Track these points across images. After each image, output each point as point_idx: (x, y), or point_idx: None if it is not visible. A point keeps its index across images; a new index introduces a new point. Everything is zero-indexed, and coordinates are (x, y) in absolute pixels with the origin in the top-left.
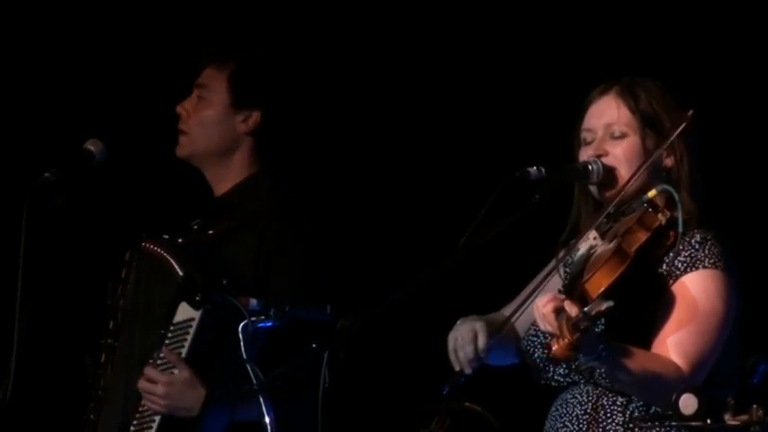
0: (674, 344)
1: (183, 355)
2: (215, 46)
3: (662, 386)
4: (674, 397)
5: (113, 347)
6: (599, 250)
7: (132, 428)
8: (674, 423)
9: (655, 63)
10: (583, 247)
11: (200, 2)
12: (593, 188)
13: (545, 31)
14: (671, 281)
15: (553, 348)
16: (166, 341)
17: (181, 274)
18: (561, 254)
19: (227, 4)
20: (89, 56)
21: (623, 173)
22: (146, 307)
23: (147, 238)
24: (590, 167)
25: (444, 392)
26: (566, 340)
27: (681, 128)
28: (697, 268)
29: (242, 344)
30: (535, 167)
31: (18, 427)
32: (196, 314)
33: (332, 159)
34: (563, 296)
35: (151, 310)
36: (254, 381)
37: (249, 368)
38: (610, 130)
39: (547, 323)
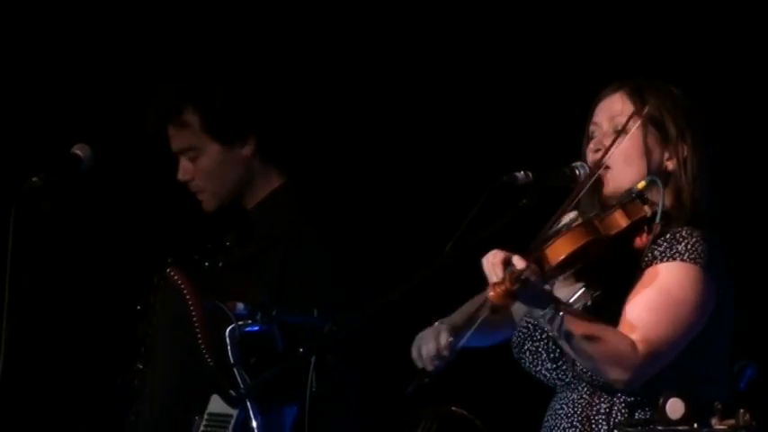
0: (636, 325)
1: None
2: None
3: (612, 356)
4: (660, 401)
5: (144, 373)
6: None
7: None
8: (660, 427)
9: (651, 68)
10: (563, 221)
11: (191, 5)
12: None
13: (533, 37)
14: (646, 268)
15: (490, 294)
16: (202, 429)
17: (210, 363)
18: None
19: (217, 6)
20: (77, 60)
21: (619, 169)
22: (154, 336)
23: (172, 263)
24: (577, 171)
25: (409, 393)
26: (504, 287)
27: (630, 117)
28: (674, 259)
29: (229, 348)
30: (522, 172)
31: None
32: (233, 411)
33: (319, 164)
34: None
35: (158, 339)
36: (242, 385)
37: (236, 372)
38: (614, 123)
39: (493, 273)
